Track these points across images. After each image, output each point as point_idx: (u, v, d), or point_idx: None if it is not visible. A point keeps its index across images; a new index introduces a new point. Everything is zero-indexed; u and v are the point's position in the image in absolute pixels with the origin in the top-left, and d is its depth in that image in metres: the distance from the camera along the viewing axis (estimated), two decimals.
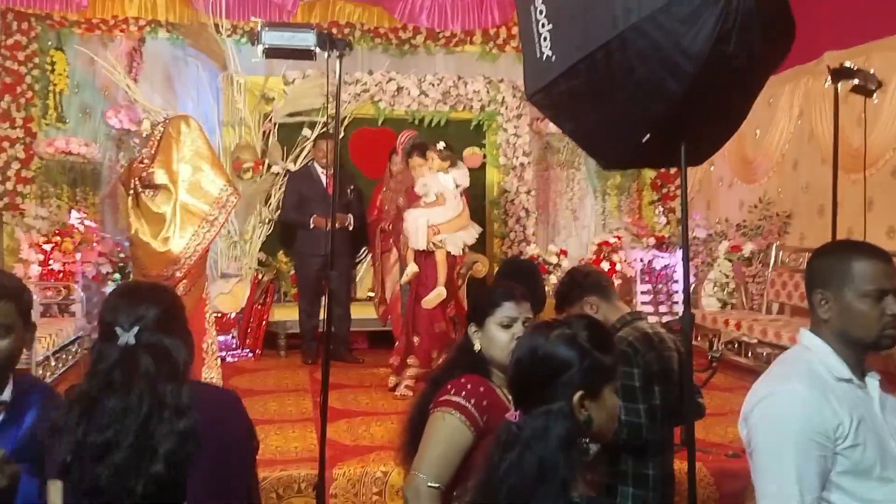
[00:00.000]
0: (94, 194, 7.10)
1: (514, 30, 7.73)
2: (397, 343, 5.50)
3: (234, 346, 6.48)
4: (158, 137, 4.87)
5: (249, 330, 6.55)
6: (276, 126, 6.99)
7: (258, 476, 2.08)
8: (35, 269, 6.24)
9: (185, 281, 4.69)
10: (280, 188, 6.93)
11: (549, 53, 2.38)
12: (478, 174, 7.16)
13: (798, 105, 6.53)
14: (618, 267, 7.37)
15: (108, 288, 6.37)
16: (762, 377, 1.92)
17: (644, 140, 2.34)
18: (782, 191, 6.81)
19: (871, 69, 4.60)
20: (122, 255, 6.61)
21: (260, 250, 6.96)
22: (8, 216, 6.80)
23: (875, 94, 4.41)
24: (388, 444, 3.96)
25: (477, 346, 2.18)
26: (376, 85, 7.17)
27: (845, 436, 1.74)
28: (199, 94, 7.23)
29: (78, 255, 6.38)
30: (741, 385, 5.13)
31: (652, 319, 7.06)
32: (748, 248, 6.74)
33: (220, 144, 6.93)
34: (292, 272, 6.89)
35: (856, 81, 4.18)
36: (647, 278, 7.48)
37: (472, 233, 5.55)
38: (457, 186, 5.43)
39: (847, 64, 4.19)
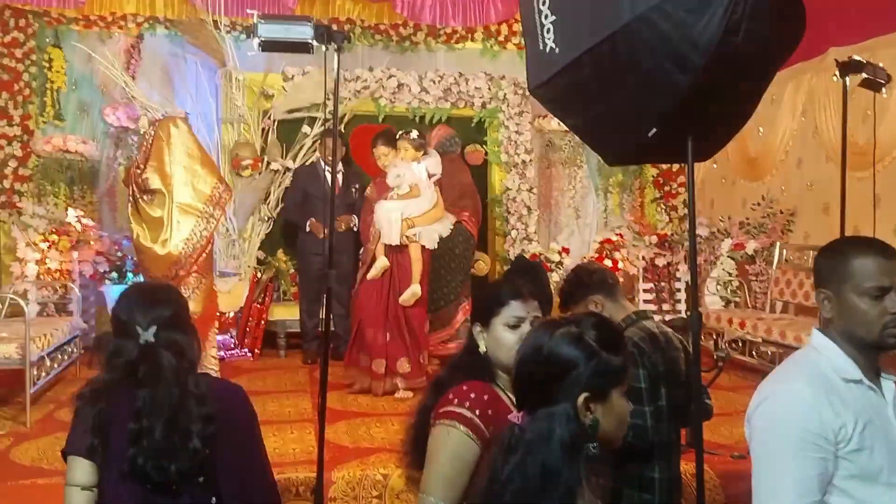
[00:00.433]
0: (92, 192, 7.04)
1: (516, 26, 7.68)
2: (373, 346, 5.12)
3: (232, 345, 6.42)
4: (150, 142, 4.90)
5: (248, 329, 6.49)
6: (276, 123, 6.93)
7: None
8: (32, 268, 6.19)
9: (191, 279, 4.78)
10: (279, 186, 6.87)
11: (553, 46, 2.31)
12: (479, 171, 7.09)
13: (802, 102, 6.47)
14: (620, 265, 7.32)
15: (106, 287, 6.32)
16: (768, 377, 1.88)
17: (650, 135, 2.27)
18: (786, 189, 6.74)
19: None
20: (119, 254, 6.56)
21: (259, 249, 6.90)
22: (5, 214, 6.75)
23: (884, 89, 4.34)
24: (388, 445, 3.90)
25: (482, 348, 2.04)
26: (377, 82, 7.11)
27: (848, 439, 1.69)
28: (197, 91, 7.16)
29: (75, 254, 6.33)
30: (746, 385, 5.08)
31: (656, 317, 7.05)
32: (751, 246, 6.68)
33: (219, 142, 6.88)
34: (292, 271, 6.84)
35: (864, 75, 4.10)
36: (649, 276, 7.43)
37: (446, 224, 5.37)
38: (430, 176, 5.24)
39: (855, 58, 4.12)
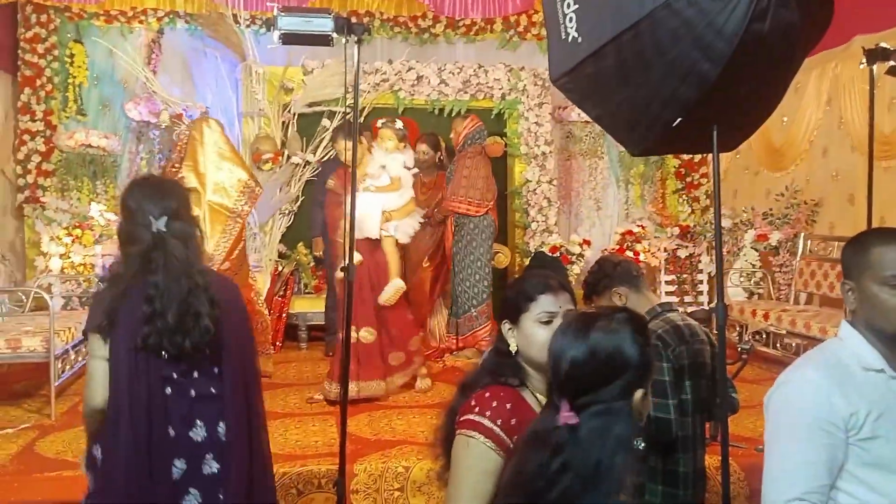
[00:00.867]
0: (115, 187, 7.08)
1: (535, 17, 7.63)
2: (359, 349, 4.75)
3: None
4: (184, 142, 5.07)
5: (269, 322, 6.50)
6: (296, 116, 6.93)
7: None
8: (56, 262, 6.25)
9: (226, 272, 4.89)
10: (300, 179, 6.88)
11: (575, 35, 2.28)
12: (499, 163, 7.06)
13: (826, 91, 6.38)
14: (641, 257, 7.26)
15: None
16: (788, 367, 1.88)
17: (675, 125, 2.24)
18: (810, 179, 6.65)
19: None
20: None
21: (280, 242, 6.91)
22: (29, 209, 6.79)
23: None
24: (409, 438, 3.90)
25: (513, 347, 1.92)
26: (396, 74, 7.09)
27: (860, 426, 1.69)
28: (217, 85, 7.19)
29: (98, 248, 6.37)
30: (770, 377, 5.02)
31: (679, 310, 6.99)
32: (775, 237, 6.60)
33: (240, 135, 6.90)
34: (312, 264, 6.84)
35: (892, 63, 4.02)
36: (671, 268, 7.37)
37: (417, 219, 5.22)
38: (408, 169, 5.07)
39: (883, 45, 4.04)
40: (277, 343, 6.42)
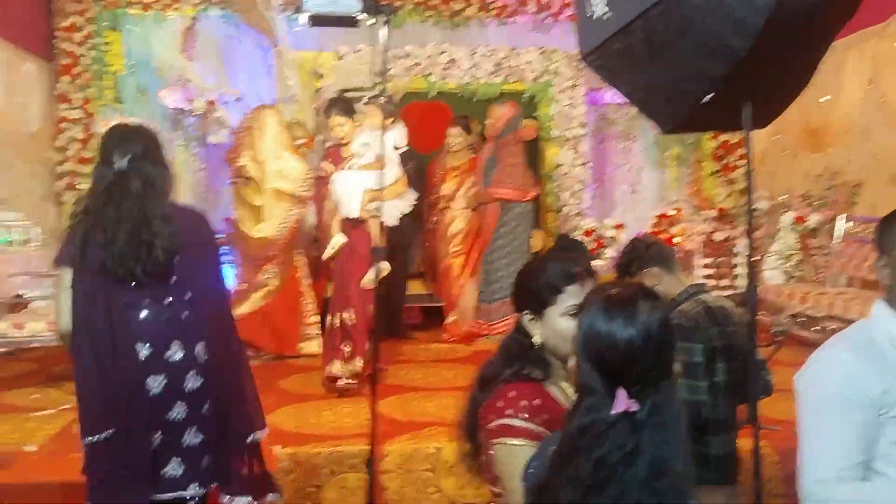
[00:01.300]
0: None
1: None
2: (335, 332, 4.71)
3: None
4: (244, 131, 5.25)
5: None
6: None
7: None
8: None
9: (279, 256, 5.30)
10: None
11: (605, 10, 2.26)
12: (531, 147, 7.02)
13: (867, 70, 6.22)
14: (677, 240, 7.17)
15: None
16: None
17: (705, 100, 2.21)
18: (850, 160, 6.51)
19: None
20: None
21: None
22: (68, 196, 6.91)
23: None
24: (440, 419, 3.91)
25: (537, 339, 1.82)
26: (427, 58, 7.06)
27: (892, 404, 1.67)
28: (251, 72, 7.23)
29: None
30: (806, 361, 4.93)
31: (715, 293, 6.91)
32: (813, 219, 6.48)
33: None
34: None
35: None
36: (707, 251, 7.28)
37: (409, 200, 4.99)
38: (395, 149, 4.85)
39: None
40: None
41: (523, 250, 6.01)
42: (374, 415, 2.91)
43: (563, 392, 1.81)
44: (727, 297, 6.74)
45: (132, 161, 2.50)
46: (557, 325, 1.79)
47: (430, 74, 7.07)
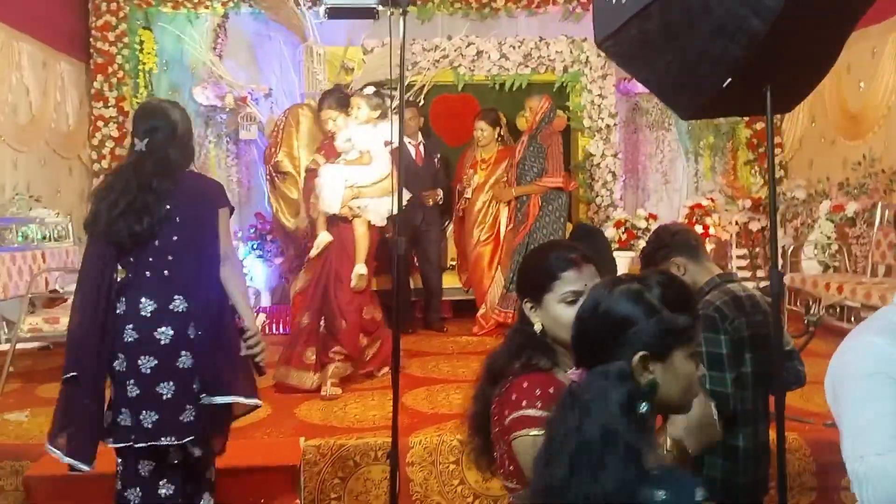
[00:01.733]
0: None
1: None
2: (300, 333, 4.52)
3: None
4: (281, 127, 5.26)
5: None
6: None
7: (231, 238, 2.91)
8: None
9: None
10: None
11: None
12: (561, 137, 6.96)
13: None
14: (711, 230, 7.06)
15: None
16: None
17: (725, 85, 2.15)
18: (890, 146, 6.34)
19: None
20: None
21: None
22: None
23: None
24: (465, 412, 3.89)
25: (538, 327, 1.80)
26: (455, 50, 7.03)
27: None
28: (281, 68, 7.28)
29: None
30: None
31: (749, 285, 6.79)
32: (851, 207, 6.33)
33: None
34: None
35: None
36: (742, 241, 7.16)
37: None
38: (386, 144, 4.55)
39: None
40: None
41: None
42: (396, 408, 2.90)
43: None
44: (762, 288, 6.66)
45: (149, 139, 2.73)
46: (555, 311, 1.78)
47: (458, 66, 7.05)
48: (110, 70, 7.18)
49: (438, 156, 6.37)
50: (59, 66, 6.79)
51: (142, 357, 2.62)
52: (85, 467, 2.63)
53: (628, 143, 7.73)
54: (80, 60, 7.17)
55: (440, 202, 6.28)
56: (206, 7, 7.38)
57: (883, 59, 6.22)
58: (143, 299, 2.66)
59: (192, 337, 2.67)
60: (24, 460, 3.40)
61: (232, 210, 2.91)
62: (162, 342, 2.63)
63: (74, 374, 2.62)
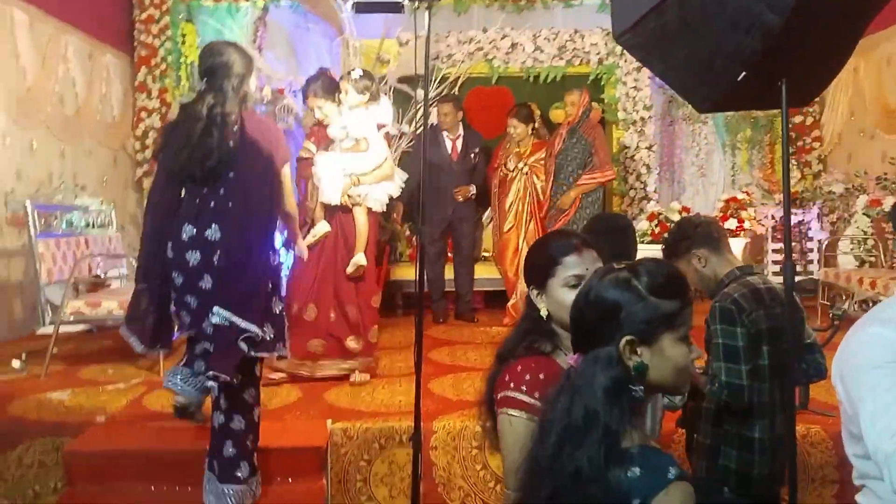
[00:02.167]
0: None
1: None
2: (305, 325, 4.42)
3: None
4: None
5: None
6: (392, 89, 7.04)
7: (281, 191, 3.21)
8: None
9: None
10: (396, 150, 7.00)
11: None
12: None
13: None
14: (746, 224, 7.01)
15: None
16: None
17: (739, 79, 2.18)
18: None
19: None
20: None
21: None
22: (147, 182, 7.20)
23: None
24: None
25: (543, 312, 1.87)
26: (490, 42, 7.07)
27: None
28: (319, 60, 7.36)
29: None
30: None
31: (779, 279, 6.71)
32: (889, 202, 6.24)
33: None
34: (408, 233, 6.98)
35: None
36: (779, 237, 7.09)
37: (397, 183, 4.59)
38: (379, 128, 4.47)
39: None
40: None
41: None
42: (419, 393, 2.97)
43: None
44: (798, 282, 6.59)
45: (208, 78, 3.07)
46: (559, 295, 1.84)
47: (492, 59, 7.08)
48: (153, 62, 7.36)
49: (477, 150, 6.41)
50: (105, 58, 6.98)
51: (174, 272, 3.05)
52: (138, 347, 3.18)
53: (664, 136, 7.69)
54: (125, 53, 7.36)
55: (472, 197, 6.33)
56: (247, 1, 7.51)
57: None
58: (186, 224, 3.03)
59: (216, 264, 2.99)
60: (64, 436, 3.55)
61: (288, 159, 3.22)
62: (190, 263, 3.01)
63: (145, 285, 3.13)
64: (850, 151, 7.39)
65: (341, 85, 4.44)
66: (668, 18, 2.22)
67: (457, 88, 7.00)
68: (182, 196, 3.10)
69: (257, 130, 3.08)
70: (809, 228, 7.05)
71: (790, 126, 7.64)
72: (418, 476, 2.94)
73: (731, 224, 6.72)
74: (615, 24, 2.42)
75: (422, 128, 6.81)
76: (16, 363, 4.68)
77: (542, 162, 6.17)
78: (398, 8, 2.90)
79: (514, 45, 7.09)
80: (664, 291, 1.45)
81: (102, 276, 5.29)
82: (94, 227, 5.56)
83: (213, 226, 3.01)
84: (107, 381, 4.50)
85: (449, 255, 6.61)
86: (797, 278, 6.68)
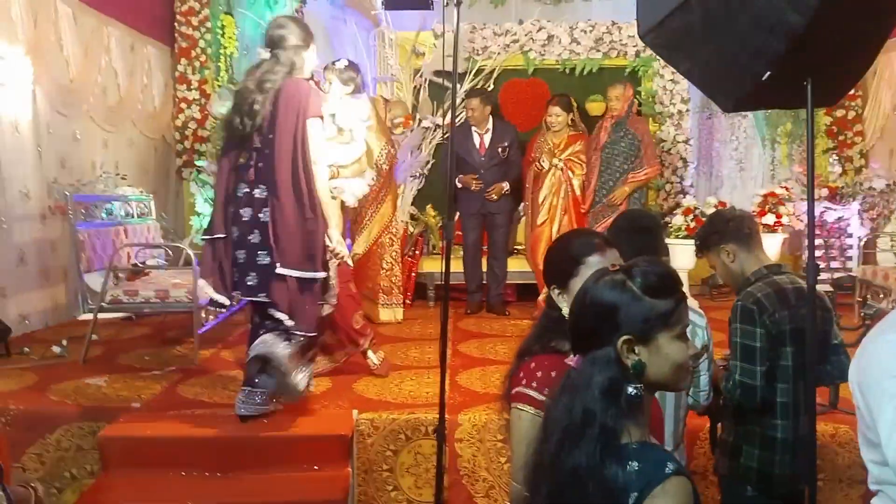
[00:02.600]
0: None
1: None
2: None
3: None
4: None
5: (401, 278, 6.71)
6: (427, 81, 7.06)
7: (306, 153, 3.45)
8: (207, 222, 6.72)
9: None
10: (430, 142, 7.03)
11: None
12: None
13: None
14: (785, 220, 6.90)
15: None
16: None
17: (764, 78, 2.17)
18: None
19: None
20: None
21: (411, 204, 7.11)
22: (186, 172, 7.35)
23: None
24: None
25: (565, 311, 1.86)
26: (526, 34, 7.05)
27: None
28: (355, 52, 7.41)
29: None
30: None
31: (823, 276, 6.62)
32: None
33: None
34: (440, 225, 7.01)
35: None
36: (818, 232, 6.98)
37: (368, 178, 4.52)
38: (361, 121, 4.33)
39: None
40: (407, 301, 6.60)
41: None
42: (443, 384, 3.01)
43: None
44: (837, 279, 6.50)
45: (270, 49, 3.44)
46: None
47: (528, 51, 7.06)
48: (193, 54, 7.46)
49: (506, 143, 6.34)
50: (146, 49, 7.11)
51: (233, 227, 3.46)
52: (214, 294, 3.54)
53: (702, 129, 7.60)
54: (165, 44, 7.48)
55: (506, 193, 6.32)
56: None
57: None
58: (241, 184, 3.46)
59: (263, 220, 3.39)
60: (100, 421, 3.65)
61: (318, 114, 3.48)
62: (243, 218, 3.44)
63: (209, 236, 3.54)
64: (893, 147, 7.23)
65: (325, 75, 4.48)
66: (691, 17, 2.22)
67: (492, 81, 7.00)
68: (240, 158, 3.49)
69: (290, 91, 3.39)
70: (849, 225, 6.92)
71: (832, 120, 7.51)
72: (442, 467, 2.99)
73: (769, 219, 6.62)
74: (640, 23, 2.42)
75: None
76: (56, 349, 4.82)
77: (579, 156, 6.14)
78: (427, 4, 2.92)
79: (550, 37, 7.05)
80: (658, 291, 1.47)
81: (140, 264, 5.40)
82: (133, 216, 5.68)
83: (261, 186, 3.42)
84: (143, 367, 4.61)
85: (483, 248, 6.62)
86: (835, 275, 6.59)
